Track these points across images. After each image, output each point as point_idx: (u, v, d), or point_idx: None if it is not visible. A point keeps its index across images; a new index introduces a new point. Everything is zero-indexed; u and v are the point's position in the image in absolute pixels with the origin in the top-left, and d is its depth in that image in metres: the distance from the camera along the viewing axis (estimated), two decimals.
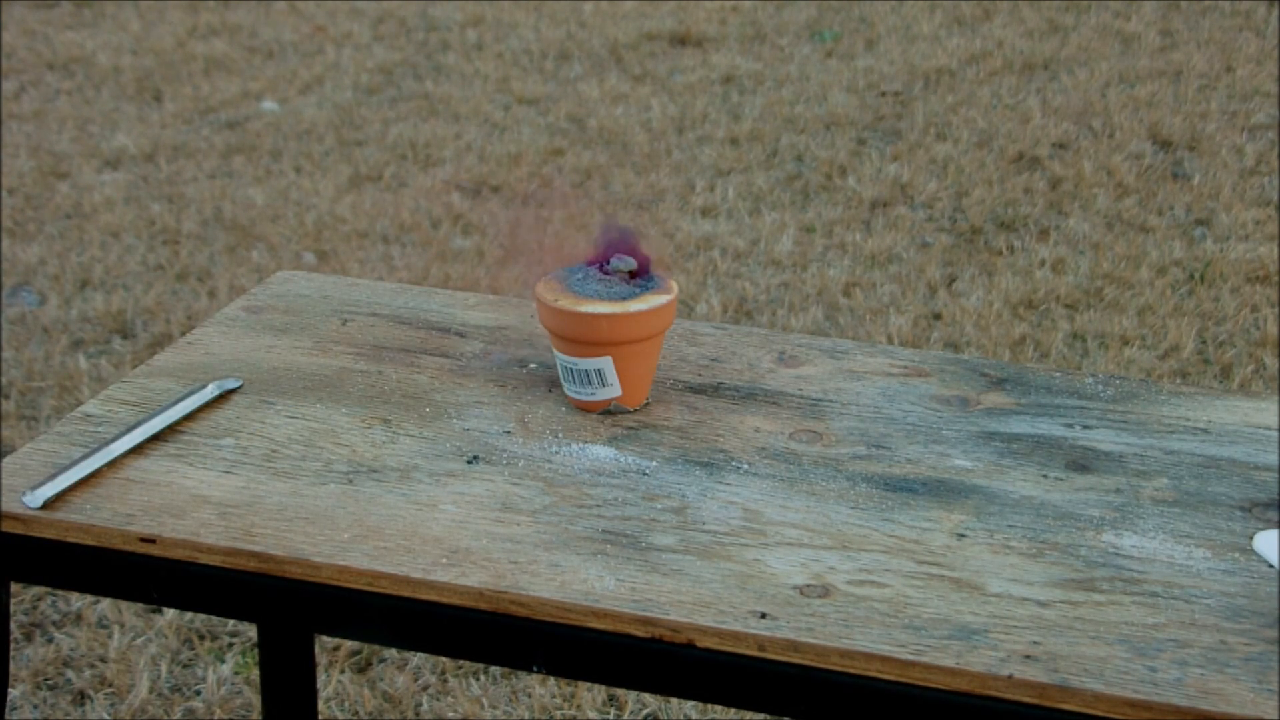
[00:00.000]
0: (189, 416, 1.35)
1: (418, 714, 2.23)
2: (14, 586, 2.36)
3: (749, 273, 3.61)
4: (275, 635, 1.68)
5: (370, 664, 2.31)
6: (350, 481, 1.26)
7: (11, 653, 2.30)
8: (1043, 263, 3.63)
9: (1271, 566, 1.15)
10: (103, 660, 2.32)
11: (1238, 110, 4.57)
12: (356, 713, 2.23)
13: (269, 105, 4.78)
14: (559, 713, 2.23)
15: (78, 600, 2.44)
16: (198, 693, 2.26)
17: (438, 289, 1.65)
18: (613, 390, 1.35)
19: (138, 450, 1.29)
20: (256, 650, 1.96)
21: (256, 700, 2.23)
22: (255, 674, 2.28)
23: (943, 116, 4.59)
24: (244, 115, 4.69)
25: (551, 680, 2.26)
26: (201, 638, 2.37)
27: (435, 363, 1.46)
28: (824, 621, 1.09)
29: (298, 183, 4.16)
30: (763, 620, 1.09)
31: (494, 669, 2.29)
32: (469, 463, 1.29)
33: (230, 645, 2.36)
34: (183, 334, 1.56)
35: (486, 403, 1.38)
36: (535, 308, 1.38)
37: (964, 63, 5.05)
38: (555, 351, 1.37)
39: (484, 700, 2.24)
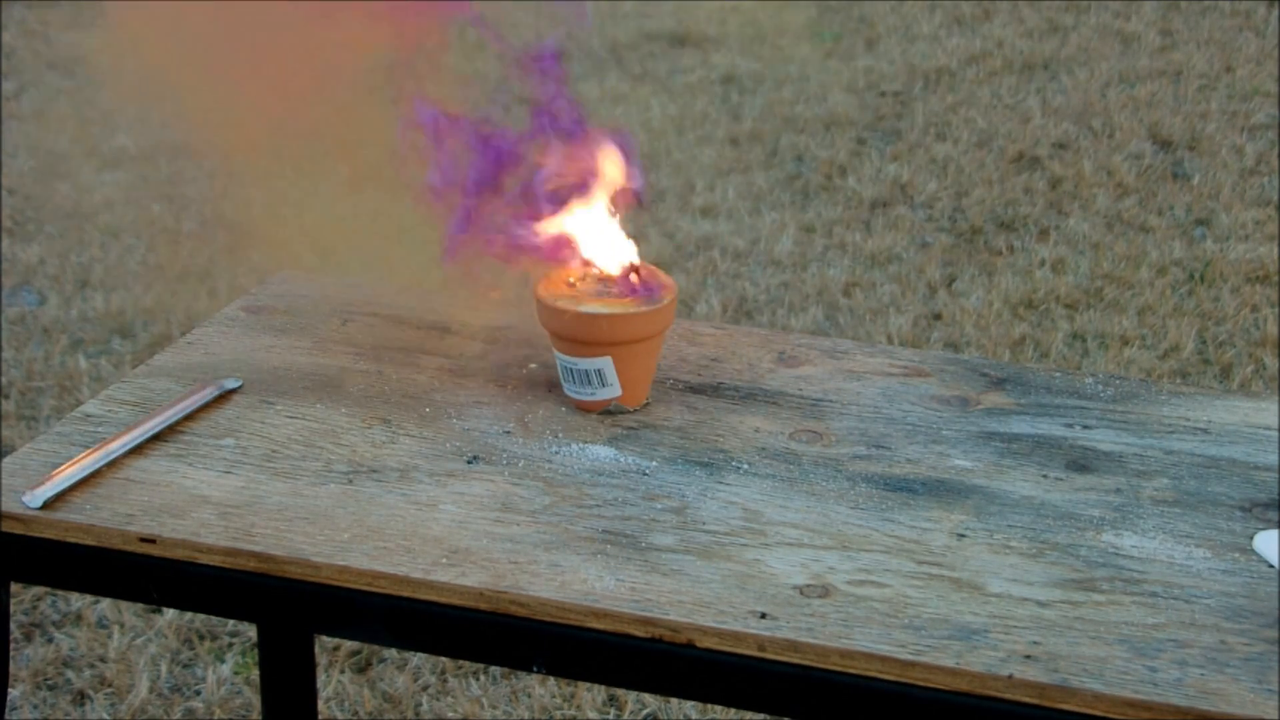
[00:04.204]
0: (189, 416, 1.35)
1: (418, 714, 2.23)
2: (14, 586, 2.36)
3: (749, 273, 3.61)
4: (275, 635, 1.68)
5: (370, 664, 2.31)
6: (350, 481, 1.26)
7: (11, 653, 2.30)
8: (1043, 263, 3.63)
9: (1271, 566, 1.15)
10: (103, 660, 2.32)
11: (1238, 110, 4.57)
12: (356, 713, 2.22)
13: None
14: (559, 713, 2.23)
15: (78, 600, 2.44)
16: (198, 693, 2.26)
17: (438, 289, 1.65)
18: (613, 390, 1.35)
19: (138, 450, 1.29)
20: (256, 650, 1.96)
21: (256, 700, 2.23)
22: (255, 674, 2.27)
23: (942, 116, 4.59)
24: None
25: (551, 680, 2.26)
26: (201, 638, 2.36)
27: (435, 363, 1.46)
28: (824, 621, 1.09)
29: (298, 183, 4.16)
30: (763, 620, 1.09)
31: (494, 669, 2.29)
32: (469, 463, 1.29)
33: (230, 645, 2.36)
34: (183, 334, 1.56)
35: (486, 403, 1.38)
36: (535, 308, 1.38)
37: (964, 63, 5.05)
38: (555, 351, 1.37)
39: (484, 700, 2.24)
